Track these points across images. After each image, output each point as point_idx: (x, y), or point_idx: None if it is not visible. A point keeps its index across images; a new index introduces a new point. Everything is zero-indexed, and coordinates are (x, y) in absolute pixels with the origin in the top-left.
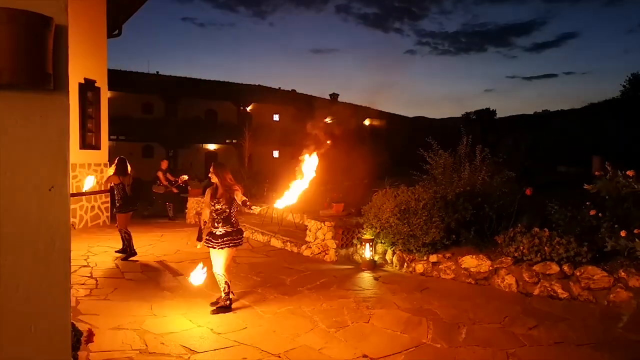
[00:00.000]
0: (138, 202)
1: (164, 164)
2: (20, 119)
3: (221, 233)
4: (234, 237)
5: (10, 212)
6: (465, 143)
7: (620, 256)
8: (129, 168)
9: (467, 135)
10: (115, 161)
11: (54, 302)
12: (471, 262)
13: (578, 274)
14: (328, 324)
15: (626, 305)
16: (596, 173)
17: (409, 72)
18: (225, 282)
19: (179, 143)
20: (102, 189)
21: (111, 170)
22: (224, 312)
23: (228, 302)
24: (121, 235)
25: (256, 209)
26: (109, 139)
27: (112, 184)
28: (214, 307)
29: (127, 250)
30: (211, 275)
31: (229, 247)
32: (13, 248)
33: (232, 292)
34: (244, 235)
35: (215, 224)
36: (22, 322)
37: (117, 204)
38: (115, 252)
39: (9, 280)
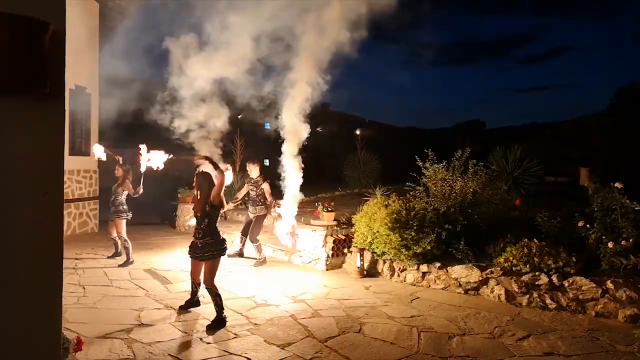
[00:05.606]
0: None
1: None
2: (15, 124)
3: (202, 244)
4: (213, 249)
5: (3, 217)
6: (457, 154)
7: (609, 267)
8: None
9: (457, 146)
10: (124, 166)
11: (45, 310)
12: (461, 272)
13: (567, 284)
14: (319, 334)
15: (614, 316)
16: (584, 184)
17: (401, 82)
18: (216, 294)
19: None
20: (119, 184)
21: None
22: (222, 327)
23: (224, 315)
24: (115, 241)
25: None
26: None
27: (123, 189)
28: (210, 323)
29: (120, 255)
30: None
31: (211, 259)
32: (4, 253)
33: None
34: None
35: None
36: (12, 329)
37: (118, 209)
38: (107, 257)
39: (0, 286)
